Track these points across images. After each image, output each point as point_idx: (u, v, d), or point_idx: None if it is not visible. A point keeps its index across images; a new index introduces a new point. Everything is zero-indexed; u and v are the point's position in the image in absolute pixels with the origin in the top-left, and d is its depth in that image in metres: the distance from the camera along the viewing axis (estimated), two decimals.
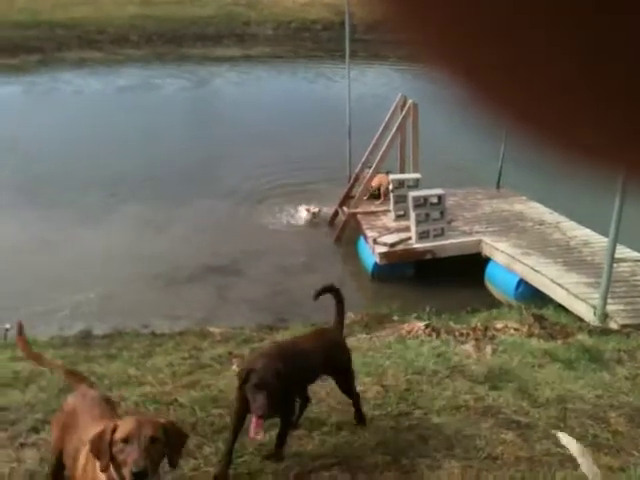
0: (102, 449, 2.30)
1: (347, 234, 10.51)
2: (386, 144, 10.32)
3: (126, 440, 2.27)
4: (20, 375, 4.48)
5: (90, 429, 2.50)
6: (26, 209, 11.28)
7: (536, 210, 10.31)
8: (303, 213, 11.05)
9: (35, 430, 3.62)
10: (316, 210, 10.87)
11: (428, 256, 9.12)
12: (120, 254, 9.89)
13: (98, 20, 29.99)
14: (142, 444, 2.26)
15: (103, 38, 29.30)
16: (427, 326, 5.81)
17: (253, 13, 33.95)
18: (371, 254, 9.28)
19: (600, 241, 8.84)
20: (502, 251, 8.59)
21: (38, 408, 3.83)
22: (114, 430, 2.30)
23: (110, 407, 2.86)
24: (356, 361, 5.01)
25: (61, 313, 8.13)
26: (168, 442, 2.36)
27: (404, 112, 10.33)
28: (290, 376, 3.23)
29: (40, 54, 26.39)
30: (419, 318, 6.76)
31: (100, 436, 2.32)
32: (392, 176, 10.11)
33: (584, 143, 0.29)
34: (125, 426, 2.31)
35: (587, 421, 4.09)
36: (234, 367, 4.87)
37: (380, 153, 10.31)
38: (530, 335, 5.55)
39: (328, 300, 8.73)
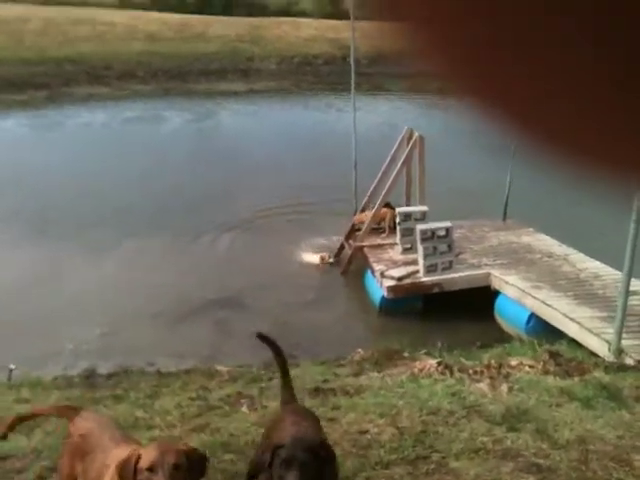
0: (128, 477, 2.38)
1: (353, 267, 10.44)
2: (392, 177, 10.30)
3: (151, 469, 2.35)
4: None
5: (114, 452, 2.58)
6: (30, 243, 11.24)
7: (544, 242, 10.24)
8: (315, 259, 10.85)
9: (42, 479, 3.50)
10: (331, 260, 10.72)
11: (436, 290, 9.03)
12: (123, 289, 9.80)
13: (105, 56, 30.40)
14: (166, 472, 2.34)
15: (110, 74, 29.65)
16: (439, 364, 5.69)
17: (257, 49, 34.41)
18: (378, 288, 9.18)
19: (610, 274, 8.75)
20: (512, 284, 8.49)
21: (45, 455, 3.71)
22: (138, 458, 2.38)
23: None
24: (368, 401, 4.91)
25: (64, 351, 8.02)
26: (190, 468, 2.42)
27: (410, 145, 10.33)
28: None
29: (48, 90, 26.68)
30: (429, 354, 6.64)
31: (126, 463, 2.40)
32: (399, 209, 10.06)
33: (600, 151, 0.30)
34: (149, 454, 2.39)
35: (610, 464, 3.95)
36: (244, 409, 4.76)
37: (387, 186, 10.28)
38: (546, 372, 5.41)
39: (337, 335, 8.68)
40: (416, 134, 10.33)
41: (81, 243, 11.32)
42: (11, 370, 6.11)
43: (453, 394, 4.93)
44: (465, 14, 0.28)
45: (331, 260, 10.63)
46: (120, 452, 2.57)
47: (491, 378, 5.31)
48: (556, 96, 0.28)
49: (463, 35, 0.28)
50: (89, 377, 6.24)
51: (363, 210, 11.00)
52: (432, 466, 3.84)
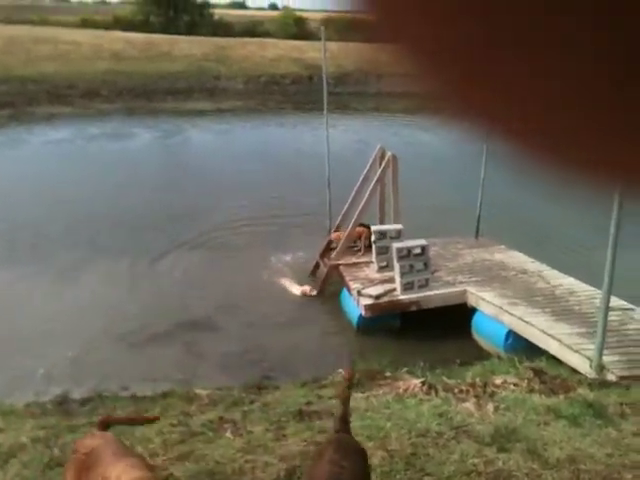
0: None
1: (328, 285, 10.34)
2: (366, 197, 10.27)
3: None
4: (0, 450, 4.16)
5: (113, 466, 2.62)
6: None
7: (517, 259, 10.31)
8: (297, 290, 10.32)
9: None
10: (314, 293, 10.21)
11: (413, 307, 8.99)
12: (92, 312, 9.51)
13: (68, 75, 30.06)
14: None
15: (73, 93, 29.29)
16: (423, 383, 5.63)
17: (223, 68, 34.42)
18: (355, 306, 9.11)
19: (585, 290, 8.84)
20: (489, 302, 8.50)
21: None
22: None
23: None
24: (355, 423, 4.79)
25: (34, 376, 7.74)
26: None
27: (383, 164, 10.33)
28: None
29: (11, 109, 26.22)
30: (411, 373, 6.58)
31: None
32: (374, 227, 10.03)
33: (588, 156, 0.30)
34: None
35: None
36: (227, 434, 4.62)
37: (360, 206, 10.24)
38: (530, 391, 5.40)
39: (314, 356, 8.56)
40: (389, 153, 10.34)
41: (47, 264, 11.03)
42: None
43: (440, 414, 4.87)
44: (460, 13, 0.27)
45: (314, 293, 10.18)
46: (118, 466, 2.61)
47: (476, 397, 5.27)
48: (555, 97, 0.28)
49: (458, 35, 0.28)
50: (62, 403, 6.02)
51: (337, 229, 10.93)
52: None
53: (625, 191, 0.30)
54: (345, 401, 3.13)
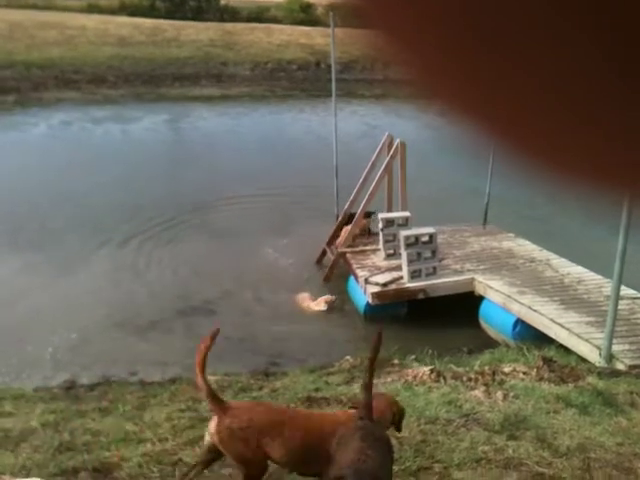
0: None
1: (336, 272, 10.32)
2: (373, 184, 10.22)
3: None
4: (11, 434, 4.16)
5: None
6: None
7: (525, 247, 10.26)
8: (320, 304, 9.48)
9: None
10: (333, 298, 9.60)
11: (421, 295, 8.97)
12: (97, 299, 9.52)
13: (74, 60, 29.96)
14: None
15: (80, 78, 29.20)
16: (432, 371, 5.61)
17: (230, 54, 34.22)
18: (362, 294, 9.10)
19: (593, 278, 8.81)
20: (497, 290, 8.47)
21: (34, 472, 3.52)
22: None
23: None
24: None
25: (42, 362, 7.76)
26: None
27: (392, 151, 10.28)
28: None
29: (16, 94, 26.17)
30: (419, 360, 6.58)
31: None
32: (381, 215, 10.00)
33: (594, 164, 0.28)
34: None
35: (613, 472, 3.91)
36: None
37: (368, 193, 10.20)
38: (540, 379, 5.38)
39: (321, 343, 8.55)
40: (397, 141, 10.27)
41: (49, 252, 11.03)
42: None
43: (449, 402, 4.86)
44: (442, 3, 0.26)
45: (333, 298, 9.55)
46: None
47: (485, 385, 5.25)
48: (540, 94, 0.27)
49: (440, 26, 0.26)
50: (71, 388, 6.03)
51: (341, 227, 10.72)
52: (435, 477, 3.75)
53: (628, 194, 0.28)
54: (367, 387, 3.10)
